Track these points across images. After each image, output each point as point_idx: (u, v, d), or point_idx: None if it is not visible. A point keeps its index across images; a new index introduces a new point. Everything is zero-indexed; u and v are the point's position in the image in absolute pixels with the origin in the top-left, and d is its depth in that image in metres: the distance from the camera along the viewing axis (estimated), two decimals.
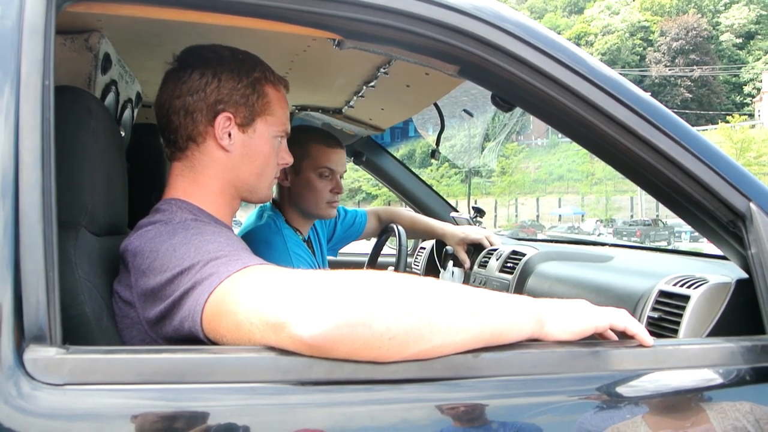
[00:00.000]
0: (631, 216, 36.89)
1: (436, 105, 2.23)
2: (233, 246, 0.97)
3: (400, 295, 0.79)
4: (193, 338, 0.89)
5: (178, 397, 0.76)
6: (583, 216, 38.38)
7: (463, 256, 2.37)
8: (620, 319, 0.95)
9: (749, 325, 1.04)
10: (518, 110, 1.28)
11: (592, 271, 1.76)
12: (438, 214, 2.72)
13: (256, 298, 0.81)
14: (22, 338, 0.73)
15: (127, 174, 1.22)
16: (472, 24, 0.96)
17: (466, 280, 2.36)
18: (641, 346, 0.93)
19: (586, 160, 40.18)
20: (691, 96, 52.40)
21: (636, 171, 1.07)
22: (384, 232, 2.39)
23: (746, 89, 52.99)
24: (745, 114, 47.32)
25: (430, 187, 2.93)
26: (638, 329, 0.94)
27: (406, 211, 2.58)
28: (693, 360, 0.97)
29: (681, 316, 1.19)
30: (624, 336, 0.95)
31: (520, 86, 1.01)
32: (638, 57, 56.66)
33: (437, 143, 2.47)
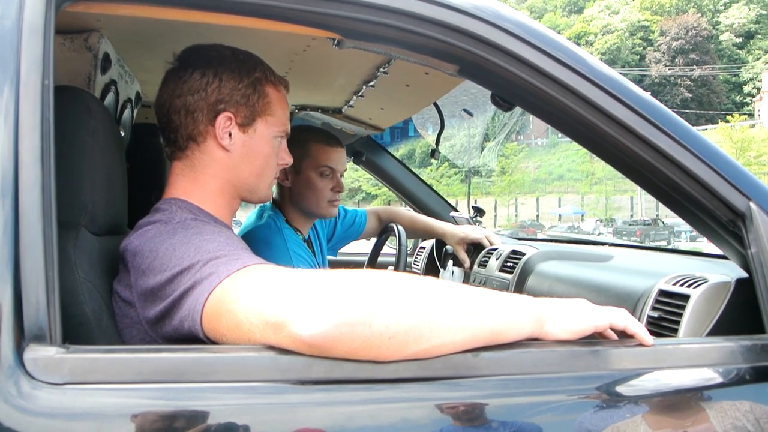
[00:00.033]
0: (631, 216, 36.92)
1: (435, 104, 2.24)
2: (233, 245, 0.97)
3: (400, 295, 0.79)
4: (193, 338, 0.89)
5: (178, 396, 0.76)
6: (582, 216, 38.40)
7: (463, 256, 2.37)
8: (620, 318, 0.95)
9: (749, 324, 1.04)
10: (518, 110, 1.28)
11: (592, 271, 1.76)
12: (438, 214, 2.72)
13: (255, 298, 0.81)
14: (22, 338, 0.73)
15: (126, 174, 1.22)
16: (471, 23, 0.96)
17: (466, 279, 2.36)
18: (641, 345, 0.93)
19: (586, 159, 40.19)
20: (690, 95, 52.40)
21: (636, 170, 1.07)
22: (384, 231, 2.39)
23: (746, 89, 52.98)
24: (744, 113, 47.33)
25: (429, 186, 2.93)
26: (638, 328, 0.94)
27: (406, 211, 2.59)
28: (693, 359, 0.97)
29: (681, 315, 1.19)
30: (624, 335, 0.95)
31: (520, 86, 1.01)
32: (638, 56, 56.65)
33: (437, 143, 2.47)
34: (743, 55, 55.08)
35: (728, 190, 1.02)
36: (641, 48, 57.05)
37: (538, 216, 41.32)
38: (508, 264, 2.10)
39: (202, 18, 0.98)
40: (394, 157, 2.89)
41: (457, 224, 2.51)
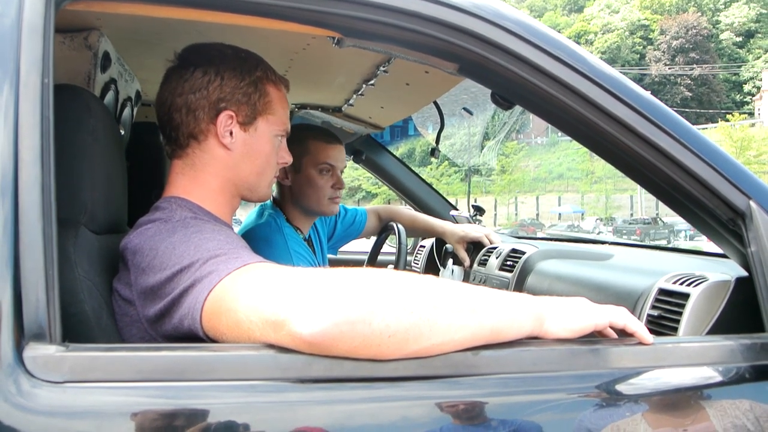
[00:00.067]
0: (631, 214, 36.93)
1: (435, 103, 2.24)
2: (233, 244, 0.97)
3: (400, 293, 0.79)
4: (193, 336, 0.89)
5: (178, 394, 0.76)
6: (582, 214, 38.42)
7: (463, 255, 2.37)
8: (620, 316, 0.95)
9: (749, 323, 1.04)
10: (518, 108, 1.28)
11: (592, 269, 1.76)
12: (438, 213, 2.72)
13: (255, 296, 0.81)
14: (21, 336, 0.73)
15: (126, 172, 1.22)
16: (471, 22, 0.96)
17: (466, 278, 2.36)
18: (641, 343, 0.93)
19: (586, 158, 40.20)
20: (691, 94, 52.38)
21: (636, 169, 1.07)
22: (384, 230, 2.39)
23: (746, 88, 52.94)
24: (745, 112, 47.29)
25: (429, 185, 2.93)
26: (638, 327, 0.94)
27: (406, 210, 2.58)
28: (693, 358, 0.97)
29: (681, 314, 1.19)
30: (623, 334, 0.95)
31: (520, 84, 1.01)
32: (638, 55, 56.60)
33: (437, 142, 2.47)
34: (743, 54, 55.03)
35: (728, 188, 1.02)
36: (641, 47, 57.01)
37: (538, 215, 41.33)
38: (508, 263, 2.10)
39: (202, 16, 0.98)
40: (394, 156, 2.89)
41: (457, 223, 2.51)
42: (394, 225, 2.21)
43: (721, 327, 1.14)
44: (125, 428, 0.73)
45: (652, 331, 0.96)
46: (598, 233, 26.64)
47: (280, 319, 0.77)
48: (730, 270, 1.22)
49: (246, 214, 2.10)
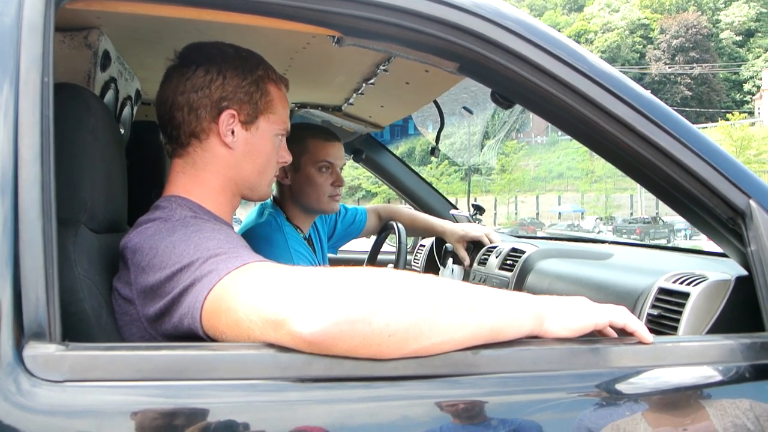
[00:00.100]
0: (631, 214, 36.96)
1: (435, 102, 2.23)
2: (232, 243, 0.97)
3: (400, 292, 0.79)
4: (193, 335, 0.89)
5: (178, 393, 0.76)
6: (582, 214, 38.44)
7: (463, 254, 2.37)
8: (620, 316, 0.95)
9: (749, 322, 1.04)
10: (518, 107, 1.28)
11: (592, 269, 1.76)
12: (438, 212, 2.72)
13: (255, 295, 0.81)
14: (21, 335, 0.73)
15: (126, 171, 1.22)
16: (472, 21, 0.96)
17: (466, 277, 2.36)
18: (641, 343, 0.93)
19: (586, 157, 40.20)
20: (690, 94, 52.36)
21: (636, 168, 1.07)
22: (384, 229, 2.39)
23: (746, 87, 52.92)
24: (744, 112, 47.25)
25: (429, 184, 2.93)
26: (638, 326, 0.94)
27: (406, 209, 2.58)
28: (692, 357, 0.97)
29: (680, 313, 1.19)
30: (623, 333, 0.95)
31: (520, 83, 1.01)
32: (638, 55, 56.59)
33: (437, 141, 2.47)
34: (743, 53, 55.01)
35: (728, 187, 1.02)
36: (641, 46, 57.00)
37: (537, 214, 41.35)
38: (508, 262, 2.10)
39: (202, 15, 0.98)
40: (394, 155, 2.88)
41: (457, 222, 2.51)
42: (394, 224, 2.21)
43: (721, 326, 1.14)
44: (125, 427, 0.73)
45: (652, 331, 0.96)
46: (598, 232, 26.68)
47: (280, 319, 0.77)
48: (730, 269, 1.22)
49: (246, 214, 2.10)
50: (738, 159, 1.09)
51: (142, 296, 0.97)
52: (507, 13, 0.99)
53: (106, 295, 1.02)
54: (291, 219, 1.98)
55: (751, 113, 47.97)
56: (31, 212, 0.75)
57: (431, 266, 2.64)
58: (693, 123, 1.07)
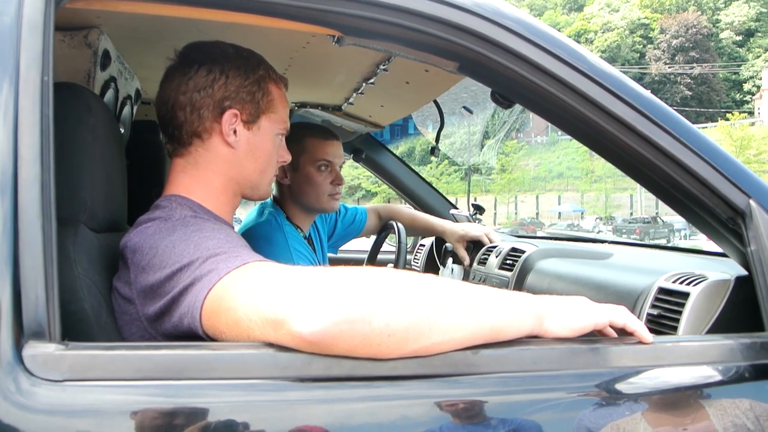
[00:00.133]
0: (631, 213, 36.98)
1: (435, 102, 2.23)
2: (232, 243, 0.97)
3: (400, 292, 0.79)
4: (193, 335, 0.89)
5: (178, 393, 0.76)
6: (582, 213, 38.45)
7: (463, 253, 2.37)
8: (620, 316, 0.95)
9: (748, 322, 1.04)
10: (518, 107, 1.28)
11: (592, 268, 1.76)
12: (438, 212, 2.72)
13: (255, 295, 0.81)
14: (21, 334, 0.73)
15: (126, 171, 1.22)
16: (472, 21, 0.96)
17: (466, 277, 2.36)
18: (640, 343, 0.93)
19: (586, 157, 40.23)
20: (690, 93, 52.37)
21: (636, 168, 1.07)
22: (384, 229, 2.39)
23: (746, 87, 52.93)
24: (744, 111, 47.27)
25: (429, 184, 2.93)
26: (637, 326, 0.94)
27: (406, 209, 2.58)
28: (692, 357, 0.97)
29: (680, 313, 1.19)
30: (623, 333, 0.95)
31: (520, 83, 1.01)
32: (638, 54, 56.59)
33: (437, 140, 2.47)
34: (743, 53, 55.02)
35: (728, 187, 1.02)
36: (641, 46, 57.00)
37: (537, 214, 41.35)
38: (508, 261, 2.10)
39: (202, 15, 0.98)
40: (394, 155, 2.88)
41: (457, 222, 2.51)
42: (394, 224, 2.21)
43: (721, 326, 1.14)
44: (125, 427, 0.73)
45: (651, 330, 0.96)
46: (598, 232, 26.68)
47: (280, 318, 0.77)
48: (729, 269, 1.22)
49: (246, 213, 2.10)
50: (738, 159, 1.09)
51: (142, 296, 0.97)
52: (507, 12, 0.99)
53: (106, 295, 1.02)
54: (291, 218, 1.98)
55: (751, 113, 47.99)
56: (31, 211, 0.75)
57: (431, 266, 2.64)
58: (693, 123, 1.07)
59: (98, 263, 1.03)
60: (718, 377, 0.96)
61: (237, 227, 1.73)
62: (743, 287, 1.11)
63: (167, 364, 0.77)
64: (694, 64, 52.01)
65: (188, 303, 0.89)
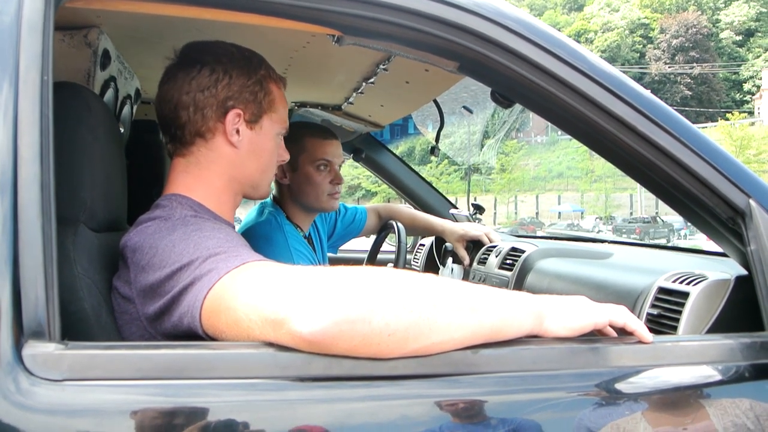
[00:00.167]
0: (631, 213, 36.99)
1: (435, 101, 2.23)
2: (232, 242, 0.97)
3: (400, 292, 0.79)
4: (192, 334, 0.89)
5: (178, 392, 0.76)
6: (582, 213, 38.46)
7: (463, 253, 2.37)
8: (619, 315, 0.95)
9: (748, 321, 1.04)
10: (518, 107, 1.28)
11: (592, 268, 1.76)
12: (437, 211, 2.72)
13: (255, 295, 0.81)
14: (21, 334, 0.73)
15: (126, 170, 1.22)
16: (472, 20, 0.96)
17: (466, 276, 2.36)
18: (640, 342, 0.93)
19: (586, 157, 40.24)
20: (690, 93, 52.38)
21: (635, 168, 1.07)
22: (383, 229, 2.39)
23: (746, 87, 52.95)
24: (744, 111, 47.28)
25: (429, 184, 2.93)
26: (637, 326, 0.94)
27: (406, 208, 2.58)
28: (692, 357, 0.97)
29: (680, 312, 1.19)
30: (623, 333, 0.95)
31: (520, 82, 1.01)
32: (638, 54, 56.60)
33: (437, 140, 2.47)
34: (743, 53, 55.04)
35: (728, 187, 1.02)
36: (641, 46, 57.01)
37: (537, 213, 41.37)
38: (508, 261, 2.10)
39: (202, 14, 0.98)
40: (394, 155, 2.88)
41: (457, 221, 2.51)
42: (394, 223, 2.21)
43: (721, 326, 1.14)
44: (125, 426, 0.73)
45: (651, 330, 0.96)
46: (598, 232, 26.69)
47: (280, 318, 0.77)
48: (729, 269, 1.22)
49: (246, 213, 2.10)
50: (738, 159, 1.09)
51: (142, 295, 0.97)
52: (507, 12, 0.99)
53: (106, 294, 1.02)
54: (291, 218, 1.98)
55: (751, 113, 47.99)
56: (31, 211, 0.75)
57: (431, 265, 2.64)
58: (693, 123, 1.07)
59: (98, 263, 1.03)
60: (718, 377, 0.96)
61: (237, 227, 1.73)
62: (743, 287, 1.11)
63: (167, 363, 0.77)
64: (694, 64, 52.03)
65: (188, 302, 0.89)
